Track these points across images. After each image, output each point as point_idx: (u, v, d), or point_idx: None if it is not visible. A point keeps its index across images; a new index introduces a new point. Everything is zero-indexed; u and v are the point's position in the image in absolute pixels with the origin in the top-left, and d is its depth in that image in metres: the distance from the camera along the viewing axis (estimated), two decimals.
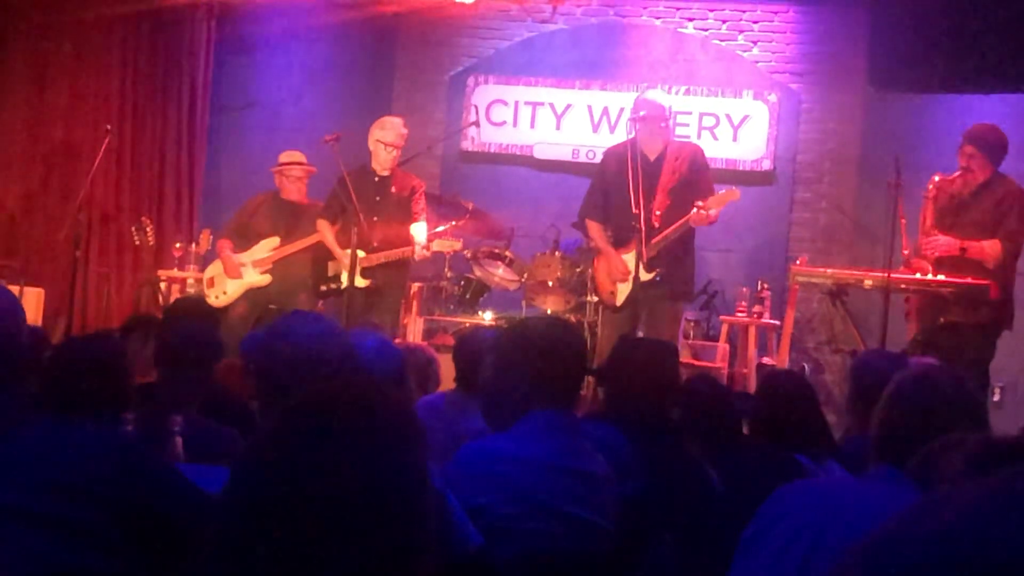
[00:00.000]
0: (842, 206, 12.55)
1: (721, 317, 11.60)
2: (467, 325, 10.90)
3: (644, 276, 9.40)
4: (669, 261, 9.58)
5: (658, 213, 9.59)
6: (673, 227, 9.55)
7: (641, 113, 9.83)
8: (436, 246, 10.26)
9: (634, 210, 9.23)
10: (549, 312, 10.90)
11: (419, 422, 2.28)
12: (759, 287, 11.22)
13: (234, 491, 2.17)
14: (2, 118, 12.49)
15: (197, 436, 4.75)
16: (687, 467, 4.93)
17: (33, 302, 11.24)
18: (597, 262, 10.14)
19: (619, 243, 9.81)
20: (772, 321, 11.19)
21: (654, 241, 9.47)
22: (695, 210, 9.45)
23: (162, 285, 12.07)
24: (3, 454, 3.61)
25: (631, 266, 9.56)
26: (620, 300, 9.81)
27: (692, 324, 11.55)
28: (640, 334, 9.18)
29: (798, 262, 10.62)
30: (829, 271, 10.39)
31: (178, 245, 12.29)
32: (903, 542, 1.38)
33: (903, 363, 5.32)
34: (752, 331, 11.16)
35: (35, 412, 4.10)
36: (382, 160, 10.39)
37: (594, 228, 10.08)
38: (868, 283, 9.90)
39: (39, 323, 10.72)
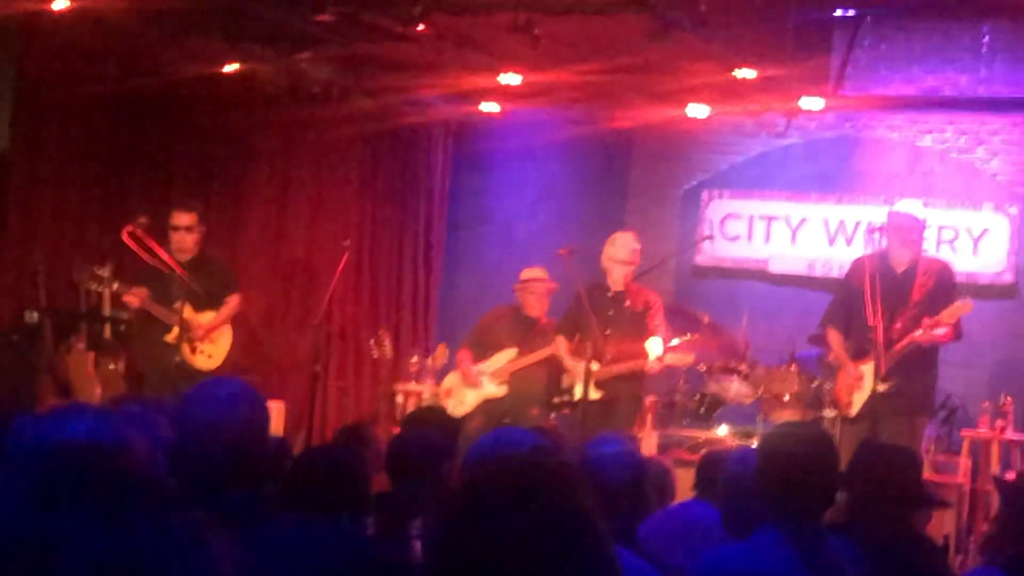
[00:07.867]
0: None
1: (962, 432, 11.31)
2: (702, 439, 10.82)
3: (879, 388, 9.26)
4: (907, 374, 9.41)
5: (898, 326, 9.43)
6: (904, 342, 9.40)
7: (894, 224, 9.68)
8: (669, 359, 10.25)
9: (870, 322, 9.13)
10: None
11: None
12: (1002, 401, 10.95)
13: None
14: (245, 235, 12.82)
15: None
16: None
17: (274, 415, 11.46)
18: (839, 373, 10.02)
19: (858, 354, 9.68)
20: (1016, 436, 10.89)
21: (890, 354, 9.31)
22: (921, 330, 9.30)
23: (399, 399, 12.21)
24: (249, 551, 3.68)
25: (867, 377, 9.43)
26: (855, 411, 9.67)
27: (933, 438, 11.28)
28: None
29: None
30: None
31: (414, 359, 12.45)
32: None
33: None
34: (995, 446, 10.89)
35: (277, 514, 4.19)
36: (615, 276, 10.45)
37: (834, 337, 10.00)
38: None
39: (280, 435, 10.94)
